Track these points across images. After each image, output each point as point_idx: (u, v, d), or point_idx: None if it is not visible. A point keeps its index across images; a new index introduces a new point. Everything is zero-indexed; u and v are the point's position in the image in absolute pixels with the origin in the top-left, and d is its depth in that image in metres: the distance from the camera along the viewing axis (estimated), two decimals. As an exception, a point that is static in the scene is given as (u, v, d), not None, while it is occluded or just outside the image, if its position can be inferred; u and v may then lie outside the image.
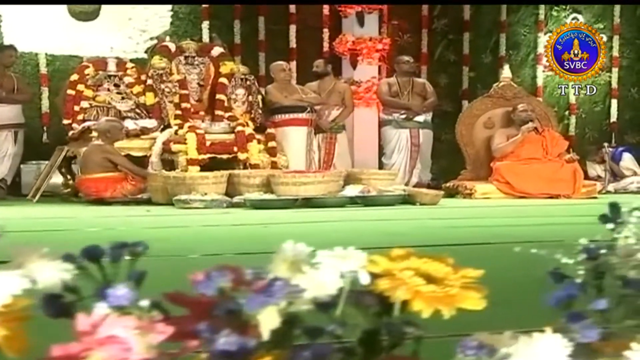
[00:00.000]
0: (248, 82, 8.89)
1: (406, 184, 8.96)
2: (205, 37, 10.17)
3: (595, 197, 8.30)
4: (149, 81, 8.48)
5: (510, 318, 1.27)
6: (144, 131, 8.13)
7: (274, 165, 8.26)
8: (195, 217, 5.89)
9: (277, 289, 0.71)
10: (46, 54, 9.83)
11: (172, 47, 8.83)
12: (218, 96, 8.73)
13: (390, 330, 0.89)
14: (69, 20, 9.90)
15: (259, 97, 8.93)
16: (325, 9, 10.91)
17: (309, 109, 9.04)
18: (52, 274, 0.77)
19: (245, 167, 8.06)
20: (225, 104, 8.71)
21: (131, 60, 9.17)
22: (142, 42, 10.06)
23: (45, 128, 9.70)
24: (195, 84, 8.87)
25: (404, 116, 9.55)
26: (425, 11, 11.44)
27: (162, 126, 8.27)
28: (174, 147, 7.95)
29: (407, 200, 7.28)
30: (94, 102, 8.49)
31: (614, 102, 11.89)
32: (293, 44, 10.88)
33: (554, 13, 11.80)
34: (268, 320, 0.72)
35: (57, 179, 8.42)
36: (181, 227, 5.10)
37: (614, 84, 11.88)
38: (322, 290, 0.79)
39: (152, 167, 7.89)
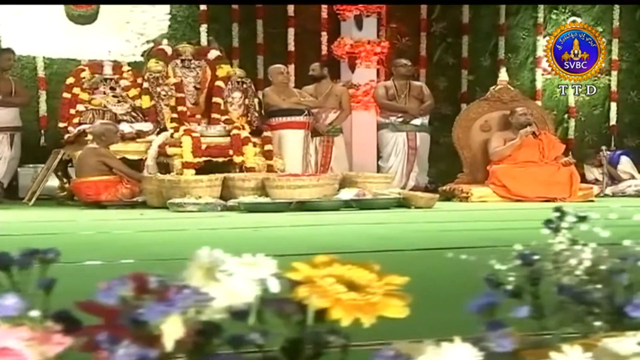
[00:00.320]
0: (244, 85, 8.89)
1: (403, 187, 8.96)
2: (204, 41, 10.16)
3: (592, 201, 8.28)
4: (145, 84, 8.47)
5: (440, 325, 1.26)
6: (139, 134, 8.12)
7: (270, 169, 8.26)
8: (187, 220, 5.87)
9: (180, 298, 0.70)
10: (44, 57, 9.85)
11: (169, 50, 8.83)
12: (214, 99, 8.73)
13: (313, 339, 0.88)
14: (67, 24, 9.92)
15: (256, 100, 8.93)
16: (324, 12, 10.91)
17: (306, 112, 9.04)
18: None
19: (241, 171, 8.06)
20: (222, 107, 8.71)
21: (129, 64, 9.17)
22: (140, 46, 10.08)
23: (42, 131, 9.70)
24: (191, 87, 8.87)
25: (400, 119, 9.54)
26: (423, 14, 11.43)
27: (158, 129, 8.26)
28: (170, 150, 7.95)
29: (402, 203, 7.27)
30: (89, 106, 8.48)
31: (614, 105, 11.86)
32: (291, 47, 10.88)
33: (553, 16, 11.78)
34: (172, 330, 0.71)
35: (53, 182, 8.41)
36: (168, 230, 5.09)
37: (614, 87, 11.86)
38: (236, 299, 0.78)
39: (148, 170, 7.88)
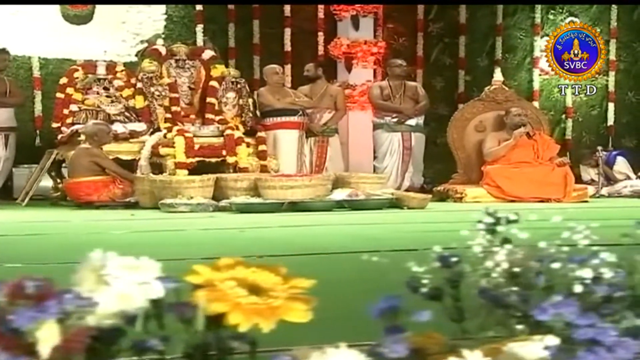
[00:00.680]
0: (239, 86, 8.87)
1: (398, 188, 8.93)
2: (200, 41, 10.15)
3: (586, 201, 8.25)
4: (139, 84, 8.46)
5: (351, 330, 1.24)
6: (133, 135, 8.11)
7: (263, 169, 8.24)
8: (176, 221, 5.86)
9: (54, 304, 0.68)
10: (39, 58, 9.83)
11: (163, 50, 8.81)
12: (209, 99, 8.71)
13: (216, 344, 0.86)
14: (62, 24, 9.91)
15: (250, 100, 8.91)
16: (321, 13, 10.89)
17: (300, 112, 9.01)
18: None
19: (234, 171, 8.05)
20: (216, 107, 8.69)
21: (125, 64, 9.14)
22: (135, 46, 10.05)
23: (38, 132, 9.68)
24: (185, 87, 8.85)
25: (395, 120, 9.51)
26: (420, 14, 11.40)
27: (151, 130, 8.24)
28: (163, 150, 7.93)
29: (394, 204, 7.24)
30: (83, 106, 8.46)
31: (611, 106, 11.82)
32: (288, 47, 10.86)
33: (550, 17, 11.75)
34: (47, 337, 0.69)
35: (47, 182, 8.41)
36: (156, 231, 5.08)
37: (611, 88, 11.81)
38: (125, 303, 0.76)
39: (141, 170, 7.86)
